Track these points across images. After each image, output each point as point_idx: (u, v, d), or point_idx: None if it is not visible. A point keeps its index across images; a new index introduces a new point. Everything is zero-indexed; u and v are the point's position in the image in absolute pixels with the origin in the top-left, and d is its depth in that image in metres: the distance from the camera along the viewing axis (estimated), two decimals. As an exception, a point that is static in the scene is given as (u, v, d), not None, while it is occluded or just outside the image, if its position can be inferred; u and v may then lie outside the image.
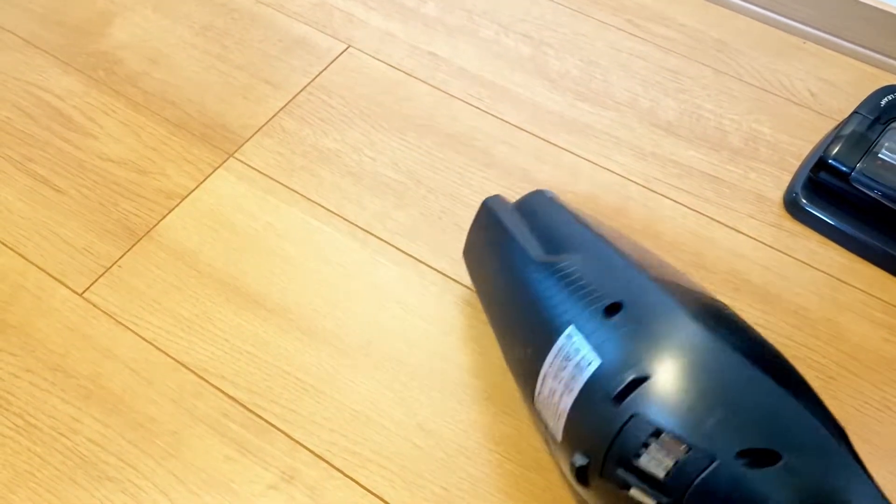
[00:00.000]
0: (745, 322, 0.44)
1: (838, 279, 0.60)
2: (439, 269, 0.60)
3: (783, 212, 0.64)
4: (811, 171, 0.62)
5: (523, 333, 0.46)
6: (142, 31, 0.75)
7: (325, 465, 0.51)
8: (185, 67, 0.72)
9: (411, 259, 0.60)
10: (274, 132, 0.68)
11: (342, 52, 0.74)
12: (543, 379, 0.43)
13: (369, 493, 0.50)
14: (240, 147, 0.67)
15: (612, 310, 0.42)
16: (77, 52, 0.73)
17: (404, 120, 0.69)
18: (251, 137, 0.67)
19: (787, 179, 0.66)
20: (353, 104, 0.70)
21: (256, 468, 0.50)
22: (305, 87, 0.71)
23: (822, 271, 0.61)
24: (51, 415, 0.52)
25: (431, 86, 0.72)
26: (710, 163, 0.67)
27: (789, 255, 0.62)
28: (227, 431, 0.52)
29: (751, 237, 0.62)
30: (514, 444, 0.52)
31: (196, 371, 0.54)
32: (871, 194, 0.60)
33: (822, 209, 0.62)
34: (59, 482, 0.50)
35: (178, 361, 0.55)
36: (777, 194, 0.65)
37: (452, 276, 0.59)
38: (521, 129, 0.69)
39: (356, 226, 0.62)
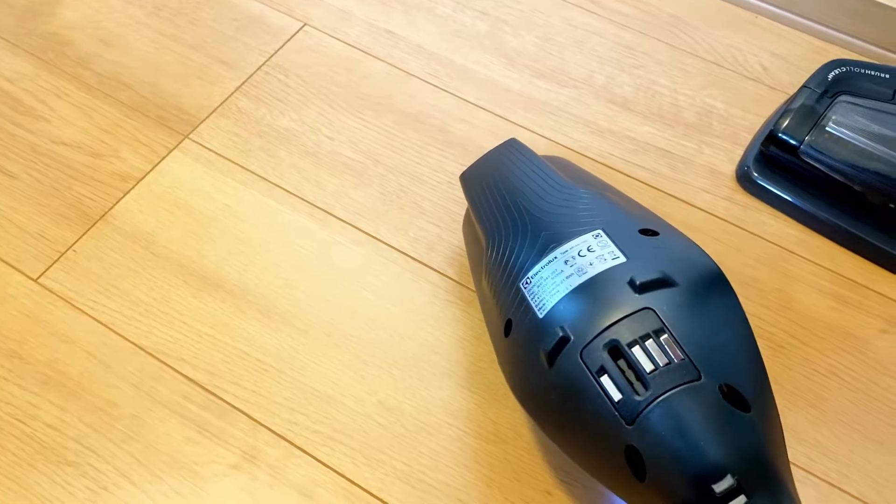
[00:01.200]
0: None
1: (789, 250, 0.62)
2: (399, 248, 0.60)
3: (735, 185, 0.65)
4: (762, 144, 0.63)
5: (536, 227, 0.45)
6: (92, 12, 0.73)
7: (287, 444, 0.51)
8: (137, 48, 0.71)
9: (371, 238, 0.61)
10: (230, 113, 0.67)
11: (298, 31, 0.73)
12: (551, 262, 0.42)
13: (331, 470, 0.50)
14: (195, 128, 0.66)
15: (647, 233, 0.43)
16: (26, 34, 0.72)
17: (362, 99, 0.69)
18: (206, 118, 0.67)
19: (739, 153, 0.67)
20: (309, 83, 0.70)
21: (218, 449, 0.51)
22: (261, 66, 0.70)
23: (773, 243, 0.62)
24: (8, 402, 0.52)
25: (389, 64, 0.72)
26: (665, 138, 0.68)
27: (741, 228, 0.63)
28: (187, 413, 0.52)
29: (704, 210, 0.64)
30: (474, 419, 0.53)
31: (155, 354, 0.54)
32: (820, 167, 0.61)
33: (773, 182, 0.64)
34: (17, 468, 0.50)
35: (136, 345, 0.55)
36: (729, 168, 0.66)
37: (412, 255, 0.60)
38: (479, 106, 0.69)
39: (315, 206, 0.62)
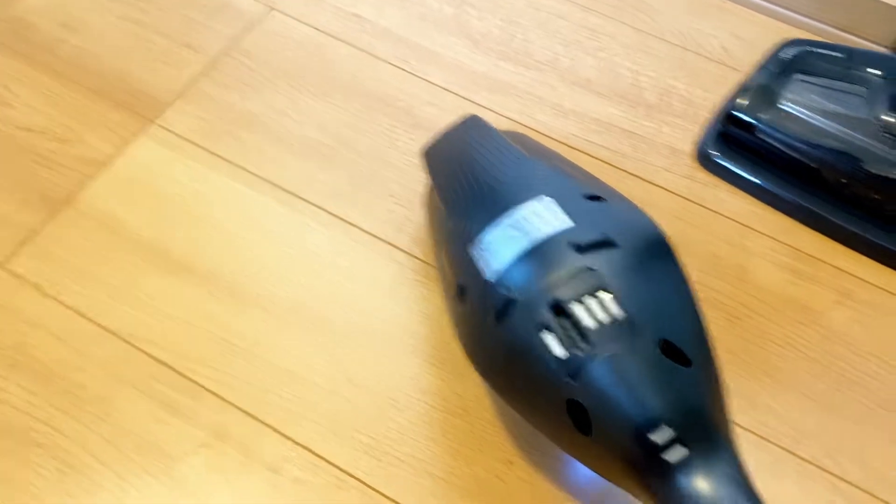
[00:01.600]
0: None
1: (746, 226, 0.63)
2: (368, 230, 0.61)
3: (695, 164, 0.67)
4: (720, 123, 0.65)
5: (491, 197, 0.47)
6: (56, -3, 0.73)
7: (256, 422, 0.52)
8: (102, 33, 0.71)
9: (339, 221, 0.61)
10: (196, 97, 0.68)
11: (265, 16, 0.73)
12: (501, 227, 0.44)
13: (300, 447, 0.51)
14: (161, 113, 0.66)
15: (594, 198, 0.45)
16: (-12, 20, 0.71)
17: (329, 83, 0.69)
18: (173, 103, 0.67)
19: (698, 132, 0.69)
20: (277, 68, 0.70)
21: (188, 428, 0.51)
22: (228, 51, 0.71)
23: (732, 219, 0.64)
24: (-23, 385, 0.52)
25: (356, 48, 0.72)
26: (627, 119, 0.69)
27: (701, 205, 0.64)
28: (156, 394, 0.53)
29: (665, 189, 0.65)
30: (440, 393, 0.54)
31: (124, 337, 0.55)
32: (776, 144, 0.63)
33: (731, 160, 0.65)
34: (-12, 451, 0.50)
35: (105, 328, 0.55)
36: (690, 147, 0.68)
37: (381, 237, 0.61)
38: (446, 89, 0.70)
39: (283, 189, 0.62)
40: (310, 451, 0.51)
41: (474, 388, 0.54)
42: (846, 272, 0.61)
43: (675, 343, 0.39)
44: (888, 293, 0.61)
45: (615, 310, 0.39)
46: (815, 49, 0.65)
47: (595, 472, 0.42)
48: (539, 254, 0.42)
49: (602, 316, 0.39)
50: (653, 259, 0.42)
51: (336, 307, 0.57)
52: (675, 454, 0.37)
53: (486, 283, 0.43)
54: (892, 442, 0.54)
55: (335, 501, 0.49)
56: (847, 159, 0.61)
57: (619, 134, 0.68)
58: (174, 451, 0.50)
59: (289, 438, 0.51)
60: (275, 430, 0.52)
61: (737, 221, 0.64)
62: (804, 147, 0.62)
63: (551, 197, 0.44)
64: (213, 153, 0.64)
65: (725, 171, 0.65)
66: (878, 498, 0.52)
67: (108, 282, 0.57)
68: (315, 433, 0.52)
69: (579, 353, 0.39)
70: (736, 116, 0.63)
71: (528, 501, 0.50)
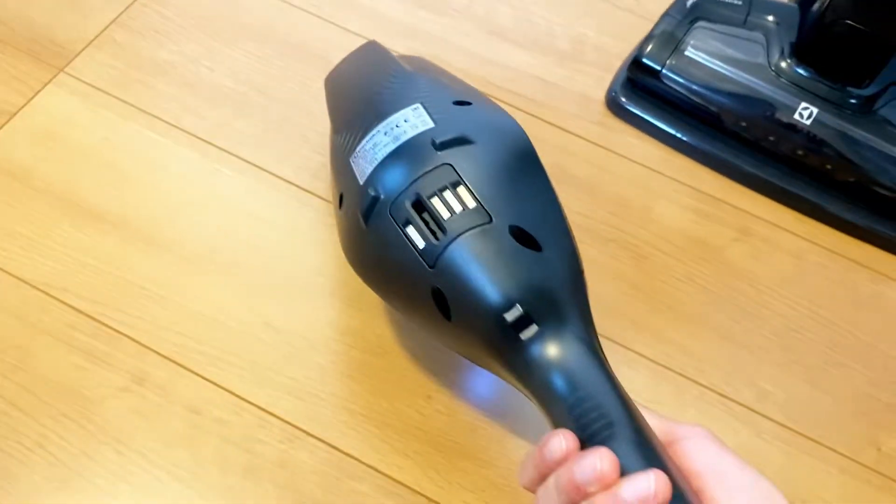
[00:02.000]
0: None
1: (653, 169, 0.66)
2: (283, 177, 0.61)
3: (605, 110, 0.69)
4: (628, 70, 0.67)
5: (373, 111, 0.48)
6: (-48, -60, 0.70)
7: (175, 365, 0.53)
8: (4, -21, 0.69)
9: (254, 167, 0.62)
10: (106, 45, 0.66)
11: (175, -38, 0.72)
12: (374, 135, 0.46)
13: (220, 388, 0.52)
14: (70, 61, 0.65)
15: (461, 104, 0.47)
16: None
17: (243, 30, 0.69)
18: (82, 51, 0.66)
19: (609, 80, 0.71)
20: (188, 15, 0.69)
21: (106, 373, 0.52)
22: (138, -2, 0.69)
23: (639, 163, 0.66)
24: None
25: (270, -4, 0.72)
26: (541, 66, 0.71)
27: (610, 150, 0.67)
28: (73, 341, 0.53)
29: (576, 135, 0.67)
30: (359, 334, 0.55)
31: (38, 286, 0.54)
32: (679, 90, 0.65)
33: (639, 106, 0.68)
34: None
35: (18, 278, 0.55)
36: (600, 94, 0.70)
37: (296, 183, 0.61)
38: (362, 36, 0.70)
39: (196, 137, 0.62)
40: (230, 392, 0.52)
41: (395, 328, 0.55)
42: (744, 211, 0.65)
43: (526, 229, 0.41)
44: (782, 230, 0.64)
45: (469, 201, 0.41)
46: (716, -3, 0.68)
47: (464, 356, 0.45)
48: (403, 155, 0.44)
49: (457, 207, 0.41)
50: (510, 155, 0.44)
51: (252, 253, 0.58)
52: (528, 332, 0.39)
53: (357, 187, 0.45)
54: (781, 366, 0.58)
55: (257, 439, 0.51)
56: (745, 103, 0.64)
57: (533, 81, 0.70)
58: (94, 396, 0.51)
59: (209, 381, 0.52)
60: (195, 373, 0.52)
61: (643, 165, 0.66)
62: (706, 92, 0.65)
63: (422, 103, 0.46)
64: (124, 101, 0.63)
65: (633, 117, 0.68)
66: (768, 418, 0.56)
67: (20, 232, 0.56)
68: (234, 375, 0.53)
69: (436, 243, 0.41)
70: (642, 63, 0.66)
71: (446, 431, 0.52)
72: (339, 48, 0.68)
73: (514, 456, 0.52)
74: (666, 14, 0.67)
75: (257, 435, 0.51)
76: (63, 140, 0.61)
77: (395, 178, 0.43)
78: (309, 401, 0.52)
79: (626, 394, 0.38)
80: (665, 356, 0.57)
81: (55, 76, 0.64)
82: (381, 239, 0.43)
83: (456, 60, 0.70)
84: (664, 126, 0.67)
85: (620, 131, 0.68)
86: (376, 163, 0.44)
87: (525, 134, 0.47)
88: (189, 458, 0.50)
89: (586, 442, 0.36)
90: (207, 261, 0.57)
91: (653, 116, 0.67)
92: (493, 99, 0.68)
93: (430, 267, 0.41)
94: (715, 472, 0.36)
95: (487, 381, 0.54)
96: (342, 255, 0.58)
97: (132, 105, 0.63)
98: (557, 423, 0.38)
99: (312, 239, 0.59)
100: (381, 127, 0.46)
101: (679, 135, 0.67)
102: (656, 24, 0.68)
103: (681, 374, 0.57)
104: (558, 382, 0.38)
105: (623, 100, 0.68)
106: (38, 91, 0.63)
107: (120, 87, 0.64)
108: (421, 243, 0.41)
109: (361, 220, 0.44)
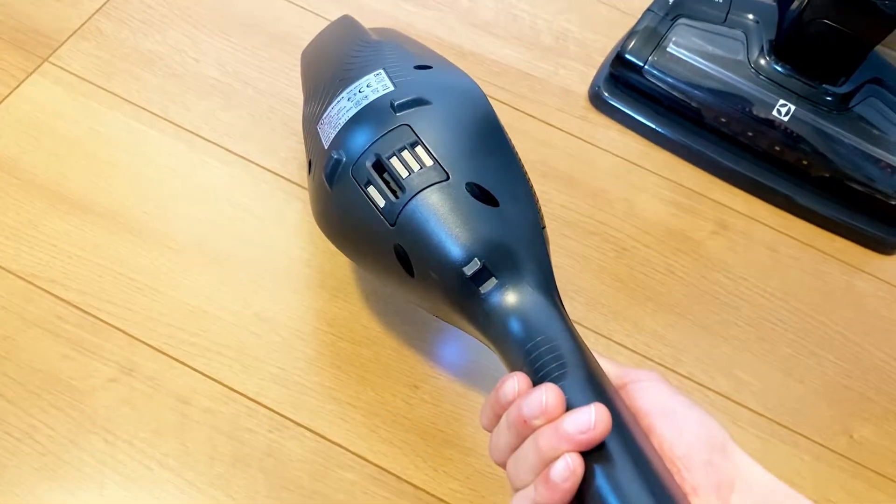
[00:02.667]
0: None
1: (634, 163, 0.68)
2: (269, 168, 0.62)
3: (588, 104, 0.70)
4: (611, 65, 0.68)
5: (341, 78, 0.50)
6: (-68, -74, 0.69)
7: (164, 356, 0.53)
8: (-14, -34, 0.68)
9: (240, 159, 0.62)
10: (91, 35, 0.66)
11: (159, -49, 0.72)
12: (339, 101, 0.47)
13: (208, 378, 0.53)
14: (55, 51, 0.65)
15: (422, 67, 0.48)
16: None
17: (228, 20, 0.69)
18: (66, 41, 0.65)
19: (592, 74, 0.72)
20: (173, 4, 0.69)
21: (95, 364, 0.52)
22: (122, -13, 0.69)
23: (620, 157, 0.68)
24: None
25: (255, -14, 0.72)
26: (524, 60, 0.72)
27: (592, 144, 0.68)
28: (61, 332, 0.53)
29: (559, 129, 0.68)
30: (346, 325, 0.56)
31: (24, 277, 0.55)
32: (661, 85, 0.67)
33: (621, 101, 0.69)
34: None
35: (3, 268, 0.55)
36: (583, 88, 0.71)
37: (283, 175, 0.62)
38: (347, 29, 0.71)
39: (182, 128, 0.62)
40: (219, 382, 0.53)
41: (382, 318, 0.56)
42: (723, 204, 0.66)
43: (484, 186, 0.42)
44: (759, 223, 0.66)
45: (427, 159, 0.43)
46: (698, -6, 0.69)
47: (430, 312, 0.46)
48: (363, 118, 0.45)
49: (415, 166, 0.42)
50: (467, 115, 0.45)
51: (240, 244, 0.58)
52: (487, 285, 0.41)
53: (322, 151, 0.47)
54: (756, 356, 0.59)
55: (245, 428, 0.51)
56: (725, 100, 0.65)
57: (516, 75, 0.71)
58: (82, 386, 0.51)
59: (197, 371, 0.53)
60: (183, 363, 0.53)
61: (625, 159, 0.68)
62: (687, 88, 0.66)
63: (384, 69, 0.47)
64: (109, 92, 0.63)
65: (615, 112, 0.69)
66: (744, 406, 0.57)
67: (6, 223, 0.56)
68: (223, 366, 0.53)
69: (396, 201, 0.42)
70: (625, 58, 0.67)
71: (432, 420, 0.53)
72: (325, 40, 0.69)
73: (498, 444, 0.53)
74: (648, 10, 0.69)
75: (246, 424, 0.52)
76: (48, 130, 0.61)
77: (356, 141, 0.44)
78: (296, 390, 0.53)
79: (581, 339, 0.39)
80: (644, 346, 0.59)
81: (40, 66, 0.64)
82: (345, 200, 0.45)
83: (439, 52, 0.70)
84: (645, 121, 0.68)
85: (602, 125, 0.69)
86: (339, 127, 0.46)
87: (483, 95, 0.48)
88: (178, 447, 0.50)
89: (538, 383, 0.37)
90: (195, 252, 0.57)
91: (634, 111, 0.68)
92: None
93: (392, 225, 0.42)
94: (663, 412, 0.37)
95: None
96: (330, 246, 0.59)
97: (118, 95, 0.63)
98: (514, 368, 0.39)
99: (299, 230, 0.59)
100: (345, 93, 0.47)
101: (660, 129, 0.68)
102: (639, 21, 0.69)
103: (660, 364, 0.58)
104: (514, 327, 0.39)
105: (605, 94, 0.69)
106: (23, 81, 0.63)
107: (105, 77, 0.64)
108: (381, 202, 0.43)
109: (326, 183, 0.45)
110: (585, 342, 0.39)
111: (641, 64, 0.66)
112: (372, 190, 0.43)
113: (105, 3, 0.68)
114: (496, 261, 0.41)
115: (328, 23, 0.70)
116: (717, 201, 0.66)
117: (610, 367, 0.39)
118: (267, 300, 0.56)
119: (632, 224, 0.64)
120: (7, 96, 0.62)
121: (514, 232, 0.42)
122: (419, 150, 0.43)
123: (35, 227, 0.56)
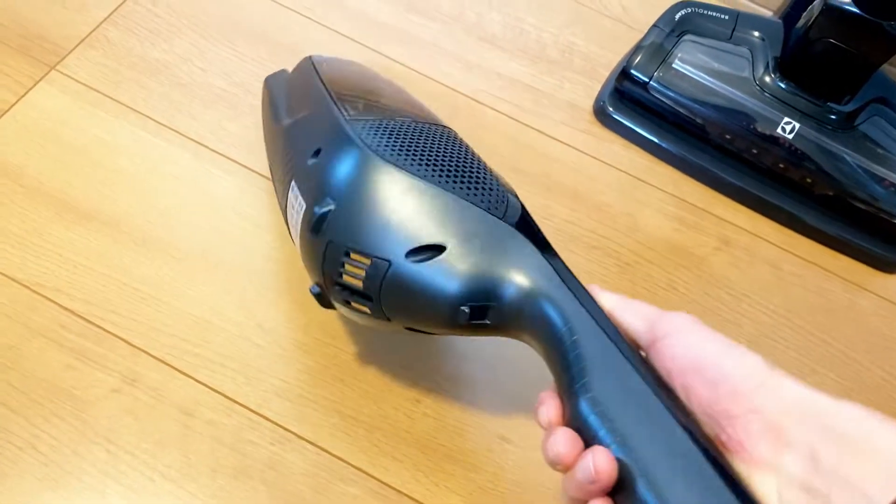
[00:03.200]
0: (462, 142, 0.49)
1: (638, 178, 0.68)
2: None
3: (592, 119, 0.70)
4: (616, 80, 0.68)
5: (279, 181, 0.53)
6: (-58, -67, 0.70)
7: (167, 367, 0.53)
8: (-6, -27, 0.68)
9: (245, 169, 0.62)
10: (98, 43, 0.66)
11: (168, -40, 0.72)
12: (287, 208, 0.50)
13: (212, 390, 0.53)
14: (62, 59, 0.65)
15: (315, 154, 0.48)
16: None
17: (235, 30, 0.69)
18: (74, 49, 0.66)
19: (597, 89, 0.72)
20: (181, 14, 0.69)
21: (98, 374, 0.52)
22: (129, -4, 0.69)
23: (624, 172, 0.68)
24: None
25: (262, -4, 0.72)
26: (530, 74, 0.72)
27: (596, 158, 0.68)
28: (65, 342, 0.53)
29: (563, 142, 0.68)
30: (350, 338, 0.56)
31: (29, 286, 0.55)
32: (666, 101, 0.67)
33: (626, 116, 0.69)
34: None
35: (8, 277, 0.55)
36: (588, 103, 0.71)
37: (288, 185, 0.62)
38: (352, 39, 0.71)
39: (188, 137, 0.63)
40: (221, 394, 0.53)
41: (384, 333, 0.56)
42: (726, 221, 0.67)
43: (419, 245, 0.42)
44: (762, 240, 0.66)
45: (364, 259, 0.43)
46: (703, 11, 0.69)
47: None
48: (302, 247, 0.47)
49: (361, 273, 0.43)
50: (367, 185, 0.44)
51: (243, 253, 0.58)
52: (488, 312, 0.42)
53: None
54: (759, 374, 0.59)
55: (248, 441, 0.51)
56: (730, 116, 0.66)
57: (521, 89, 0.71)
58: (85, 396, 0.51)
59: (200, 383, 0.53)
60: (187, 375, 0.53)
61: (628, 174, 0.68)
62: (692, 104, 0.66)
63: (294, 180, 0.48)
64: (116, 100, 0.63)
65: (620, 126, 0.69)
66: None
67: (9, 230, 0.57)
68: (226, 377, 0.53)
69: (375, 306, 0.44)
70: (630, 74, 0.67)
71: (434, 435, 0.53)
72: (331, 51, 0.69)
73: (500, 460, 0.53)
74: (654, 26, 0.69)
75: (248, 436, 0.52)
76: (55, 138, 0.61)
77: (313, 273, 0.47)
78: (299, 403, 0.53)
79: (593, 310, 0.40)
80: (647, 362, 0.59)
81: (47, 74, 0.64)
82: (350, 315, 0.47)
83: (446, 65, 0.71)
84: (650, 136, 0.68)
85: (607, 140, 0.69)
86: (297, 245, 0.49)
87: (369, 153, 0.45)
88: (180, 459, 0.50)
89: (569, 387, 0.38)
90: (200, 261, 0.57)
91: (639, 126, 0.68)
92: (480, 106, 0.69)
93: (389, 321, 0.45)
94: (696, 367, 0.36)
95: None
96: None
97: (124, 104, 0.63)
98: (549, 357, 0.41)
99: (303, 242, 0.59)
100: (288, 217, 0.50)
101: (664, 145, 0.68)
102: (645, 36, 0.69)
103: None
104: (530, 337, 0.42)
105: (610, 109, 0.69)
106: (30, 89, 0.63)
107: (112, 85, 0.64)
108: (367, 310, 0.45)
109: (323, 307, 0.49)
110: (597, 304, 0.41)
111: (647, 79, 0.67)
112: (355, 304, 0.45)
113: (113, 12, 0.68)
114: (478, 294, 0.42)
115: (333, 34, 0.71)
116: (720, 217, 0.67)
117: (638, 323, 0.39)
118: (270, 311, 0.56)
119: (635, 239, 0.64)
120: (14, 104, 0.62)
121: (476, 258, 0.42)
122: (354, 256, 0.43)
123: (40, 236, 0.57)
